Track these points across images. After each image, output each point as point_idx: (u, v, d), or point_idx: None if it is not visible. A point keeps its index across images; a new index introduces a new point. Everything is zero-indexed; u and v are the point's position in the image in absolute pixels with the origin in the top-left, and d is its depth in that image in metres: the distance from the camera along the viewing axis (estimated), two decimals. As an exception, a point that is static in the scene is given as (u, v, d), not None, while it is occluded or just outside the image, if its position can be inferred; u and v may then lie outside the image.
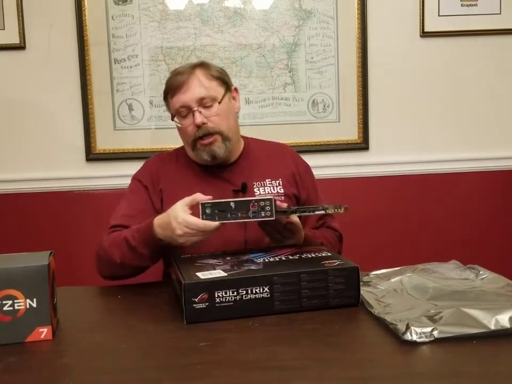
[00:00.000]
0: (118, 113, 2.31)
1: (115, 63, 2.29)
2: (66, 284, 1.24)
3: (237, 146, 1.51)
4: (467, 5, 2.32)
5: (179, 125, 1.44)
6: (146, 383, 0.78)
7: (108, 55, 2.29)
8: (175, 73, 1.45)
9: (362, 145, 2.36)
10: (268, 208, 1.14)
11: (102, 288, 1.30)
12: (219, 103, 1.42)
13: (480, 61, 2.37)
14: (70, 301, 1.16)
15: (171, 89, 1.43)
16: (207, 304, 1.00)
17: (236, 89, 1.51)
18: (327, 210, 1.13)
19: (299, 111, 2.35)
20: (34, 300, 0.93)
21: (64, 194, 2.30)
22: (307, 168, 1.60)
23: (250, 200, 1.15)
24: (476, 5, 2.32)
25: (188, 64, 1.47)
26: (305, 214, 1.19)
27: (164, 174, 1.49)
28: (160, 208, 1.44)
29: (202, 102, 1.40)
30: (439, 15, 2.32)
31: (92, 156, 2.30)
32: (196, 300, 1.00)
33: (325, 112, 2.35)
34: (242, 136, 1.57)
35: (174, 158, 1.54)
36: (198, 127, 1.40)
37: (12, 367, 0.85)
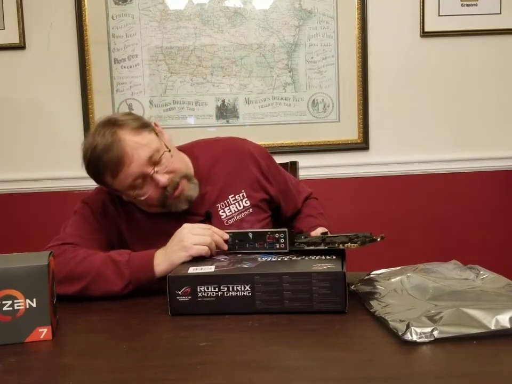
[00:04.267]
0: (118, 113, 2.31)
1: (115, 63, 2.29)
2: (66, 284, 1.24)
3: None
4: (467, 5, 2.32)
5: (140, 198, 1.27)
6: (146, 383, 0.78)
7: (108, 55, 2.29)
8: (101, 151, 1.23)
9: (362, 145, 2.36)
10: (282, 240, 1.16)
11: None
12: (168, 151, 1.28)
13: (480, 61, 2.37)
14: (70, 301, 1.16)
15: (109, 170, 1.23)
16: (189, 297, 1.03)
17: (156, 124, 1.34)
18: (356, 243, 1.10)
19: (299, 111, 2.35)
20: (34, 300, 0.93)
21: (64, 194, 2.31)
22: (267, 161, 1.45)
23: (266, 232, 1.18)
24: (476, 4, 2.32)
25: (101, 131, 1.25)
26: (330, 247, 1.15)
27: (121, 211, 1.35)
28: (120, 243, 1.33)
29: (152, 161, 1.25)
30: (439, 15, 2.32)
31: (92, 155, 2.30)
32: (179, 292, 1.03)
33: (325, 112, 2.35)
34: (185, 152, 1.40)
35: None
36: (165, 187, 1.26)
37: (11, 367, 0.85)
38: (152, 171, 1.25)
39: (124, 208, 1.35)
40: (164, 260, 1.17)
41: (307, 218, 1.48)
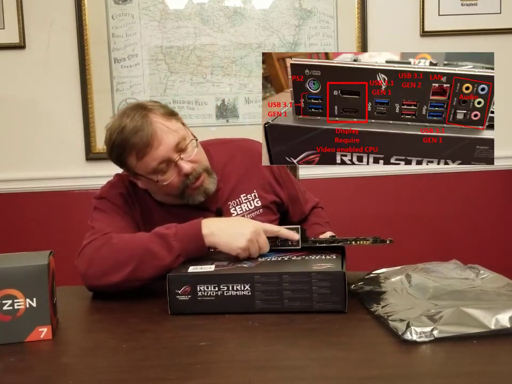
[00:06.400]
0: (118, 113, 2.31)
1: (115, 62, 2.29)
2: (66, 284, 1.24)
3: None
4: (467, 4, 2.32)
5: (162, 183, 1.28)
6: (146, 383, 0.78)
7: (108, 55, 2.29)
8: (129, 132, 1.23)
9: (362, 144, 2.36)
10: None
11: (102, 288, 1.30)
12: (196, 140, 1.32)
13: (480, 61, 2.37)
14: (70, 300, 1.16)
15: (136, 151, 1.24)
16: (189, 296, 1.03)
17: (179, 116, 1.36)
18: (367, 242, 1.13)
19: (299, 111, 2.35)
20: (34, 299, 0.93)
21: (64, 194, 2.31)
22: (279, 166, 1.46)
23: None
24: (476, 4, 2.32)
25: (130, 114, 1.26)
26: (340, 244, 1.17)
27: (136, 202, 1.35)
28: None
29: (178, 147, 1.27)
30: (439, 15, 2.32)
31: (92, 155, 2.30)
32: (179, 291, 1.03)
33: (325, 111, 2.35)
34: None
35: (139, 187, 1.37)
36: (187, 175, 1.27)
37: (11, 367, 0.85)
38: (178, 157, 1.27)
39: (138, 200, 1.36)
40: (217, 232, 1.14)
41: (313, 226, 1.50)
